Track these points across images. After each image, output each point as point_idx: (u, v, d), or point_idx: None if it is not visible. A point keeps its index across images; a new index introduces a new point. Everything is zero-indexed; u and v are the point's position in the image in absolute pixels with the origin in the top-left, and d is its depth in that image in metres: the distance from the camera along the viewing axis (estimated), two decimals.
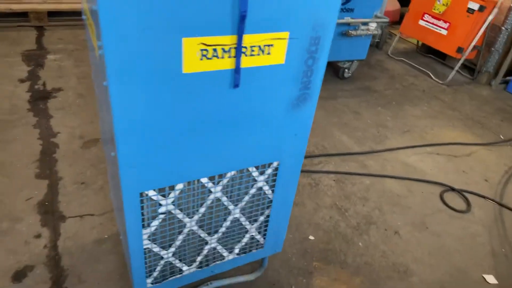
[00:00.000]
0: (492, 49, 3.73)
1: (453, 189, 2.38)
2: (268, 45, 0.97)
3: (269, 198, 1.36)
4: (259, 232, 1.46)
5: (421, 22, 3.80)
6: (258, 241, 1.48)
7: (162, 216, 1.17)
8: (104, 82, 0.89)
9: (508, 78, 3.83)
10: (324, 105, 3.15)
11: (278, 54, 0.99)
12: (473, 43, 3.56)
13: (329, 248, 1.90)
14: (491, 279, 1.86)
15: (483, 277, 1.87)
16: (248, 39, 0.93)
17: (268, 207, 1.39)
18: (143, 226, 1.16)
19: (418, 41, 4.45)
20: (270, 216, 1.41)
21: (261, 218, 1.41)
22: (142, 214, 1.13)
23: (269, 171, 1.27)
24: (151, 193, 1.10)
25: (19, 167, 2.11)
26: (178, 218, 1.21)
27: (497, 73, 3.80)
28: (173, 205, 1.17)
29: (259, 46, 0.96)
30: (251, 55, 0.96)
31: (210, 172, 1.16)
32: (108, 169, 1.59)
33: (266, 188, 1.31)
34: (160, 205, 1.15)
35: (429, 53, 4.38)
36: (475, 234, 2.11)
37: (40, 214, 1.86)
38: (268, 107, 1.09)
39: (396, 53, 4.36)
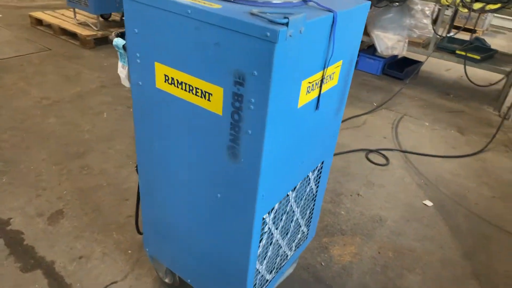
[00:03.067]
0: None
1: (371, 151, 3.08)
2: (332, 73, 1.27)
3: (314, 193, 1.65)
4: (306, 225, 1.74)
5: None
6: (304, 233, 1.76)
7: (265, 235, 1.35)
8: (249, 130, 1.05)
9: None
10: None
11: (337, 79, 1.31)
12: None
13: (325, 224, 2.29)
14: (428, 203, 2.58)
15: (423, 203, 2.58)
16: (326, 72, 1.22)
17: (313, 201, 1.68)
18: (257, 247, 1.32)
19: None
20: (314, 209, 1.71)
21: (308, 212, 1.69)
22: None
23: (317, 169, 1.57)
24: (265, 216, 1.27)
25: None
26: (272, 232, 1.40)
27: None
28: (273, 222, 1.36)
29: (330, 75, 1.26)
30: (326, 83, 1.25)
31: (294, 184, 1.39)
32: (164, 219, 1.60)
33: (313, 185, 1.61)
34: (265, 224, 1.32)
35: None
36: (401, 177, 2.83)
37: None
38: (329, 118, 1.39)
39: None
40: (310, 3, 1.15)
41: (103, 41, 4.75)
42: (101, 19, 4.90)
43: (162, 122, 1.28)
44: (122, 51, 1.29)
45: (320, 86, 1.22)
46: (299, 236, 1.70)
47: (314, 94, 1.21)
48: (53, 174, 2.47)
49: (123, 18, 4.99)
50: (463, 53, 4.09)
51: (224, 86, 1.05)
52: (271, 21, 0.91)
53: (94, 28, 4.75)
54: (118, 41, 1.29)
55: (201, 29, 1.02)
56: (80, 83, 3.72)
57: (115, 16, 5.39)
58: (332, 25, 1.11)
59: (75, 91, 3.55)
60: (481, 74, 4.53)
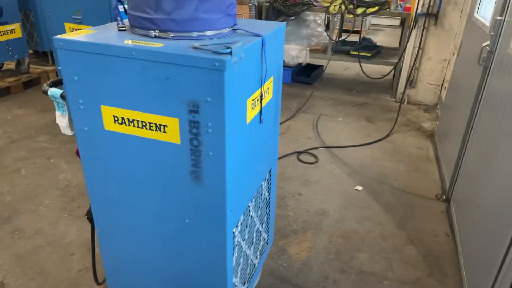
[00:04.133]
0: None
1: (300, 152, 3.33)
2: (267, 89, 1.42)
3: (268, 200, 1.77)
4: (265, 231, 1.84)
5: None
6: (265, 239, 1.86)
7: (236, 248, 1.42)
8: (210, 152, 1.13)
9: None
10: None
11: (271, 93, 1.46)
12: None
13: (278, 228, 2.42)
14: (359, 187, 2.88)
15: (355, 189, 2.86)
16: (263, 88, 1.36)
17: (268, 207, 1.80)
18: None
19: None
20: (270, 215, 1.83)
21: (265, 219, 1.81)
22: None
23: (267, 177, 1.69)
24: (234, 229, 1.35)
25: None
26: (240, 244, 1.48)
27: None
28: (240, 235, 1.44)
29: (266, 91, 1.40)
30: (264, 97, 1.39)
31: (252, 195, 1.49)
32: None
33: (266, 192, 1.73)
34: (234, 237, 1.40)
35: None
36: (331, 170, 3.10)
37: None
38: (270, 128, 1.53)
39: None
40: (239, 31, 1.28)
41: None
42: None
43: (116, 162, 1.29)
44: (60, 100, 1.27)
45: (261, 101, 1.35)
46: (261, 243, 1.80)
47: (257, 110, 1.33)
48: None
49: (21, 66, 4.66)
50: (356, 52, 4.62)
51: (179, 116, 1.12)
52: (216, 52, 1.02)
53: None
54: (55, 91, 1.27)
55: (149, 68, 1.09)
56: None
57: (9, 65, 4.98)
58: (262, 47, 1.26)
59: None
60: (373, 68, 5.15)
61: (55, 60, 5.08)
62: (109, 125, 1.23)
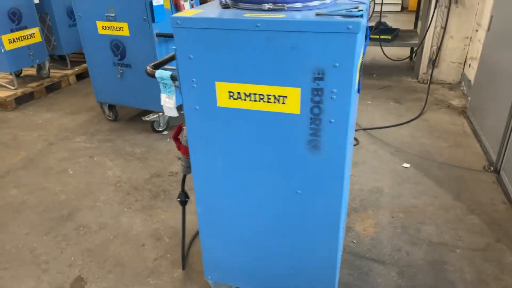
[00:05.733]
0: None
1: None
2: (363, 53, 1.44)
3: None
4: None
5: None
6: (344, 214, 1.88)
7: None
8: (331, 119, 1.15)
9: None
10: None
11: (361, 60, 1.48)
12: None
13: None
14: (406, 165, 2.91)
15: (403, 167, 2.90)
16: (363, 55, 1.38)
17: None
18: None
19: None
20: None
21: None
22: None
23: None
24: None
25: None
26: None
27: None
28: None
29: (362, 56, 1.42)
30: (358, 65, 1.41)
31: (349, 165, 1.51)
32: None
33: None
34: None
35: None
36: (374, 150, 3.13)
37: None
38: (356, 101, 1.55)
39: None
40: (338, 0, 1.30)
41: (23, 100, 4.36)
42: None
43: (226, 139, 1.31)
44: (168, 81, 1.29)
45: (360, 71, 1.37)
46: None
47: (357, 78, 1.35)
48: (48, 244, 2.23)
49: (42, 71, 4.62)
50: (376, 36, 4.65)
51: (302, 85, 1.14)
52: (346, 16, 1.04)
53: (11, 87, 4.33)
54: (163, 73, 1.29)
55: (273, 39, 1.10)
56: (22, 147, 3.37)
57: (27, 71, 4.96)
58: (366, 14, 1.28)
59: (21, 157, 3.21)
60: (388, 51, 5.17)
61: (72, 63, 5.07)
62: (223, 101, 1.24)
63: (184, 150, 1.51)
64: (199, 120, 1.30)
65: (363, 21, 1.06)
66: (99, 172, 2.95)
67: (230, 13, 1.18)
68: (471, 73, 4.02)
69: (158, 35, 3.07)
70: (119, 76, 3.38)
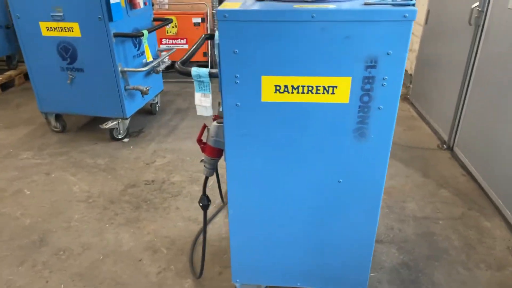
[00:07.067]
0: None
1: None
2: None
3: None
4: None
5: (162, 47, 4.43)
6: None
7: None
8: (380, 106, 1.19)
9: None
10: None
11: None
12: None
13: None
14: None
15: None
16: None
17: None
18: None
19: None
20: None
21: None
22: None
23: None
24: None
25: None
26: None
27: None
28: None
29: None
30: None
31: None
32: None
33: None
34: None
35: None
36: None
37: None
38: None
39: None
40: None
41: None
42: None
43: (269, 134, 1.28)
44: (206, 79, 1.21)
45: None
46: None
47: None
48: (27, 275, 1.95)
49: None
50: None
51: (353, 74, 1.16)
52: (400, 5, 1.09)
53: None
54: (200, 70, 1.21)
55: (328, 29, 1.11)
56: None
57: None
58: None
59: None
60: None
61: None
62: (267, 96, 1.21)
63: (209, 151, 1.44)
64: (240, 117, 1.25)
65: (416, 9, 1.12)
66: (62, 189, 2.65)
67: (277, 5, 1.16)
68: (408, 64, 4.42)
69: (116, 35, 2.85)
70: (69, 82, 3.06)
